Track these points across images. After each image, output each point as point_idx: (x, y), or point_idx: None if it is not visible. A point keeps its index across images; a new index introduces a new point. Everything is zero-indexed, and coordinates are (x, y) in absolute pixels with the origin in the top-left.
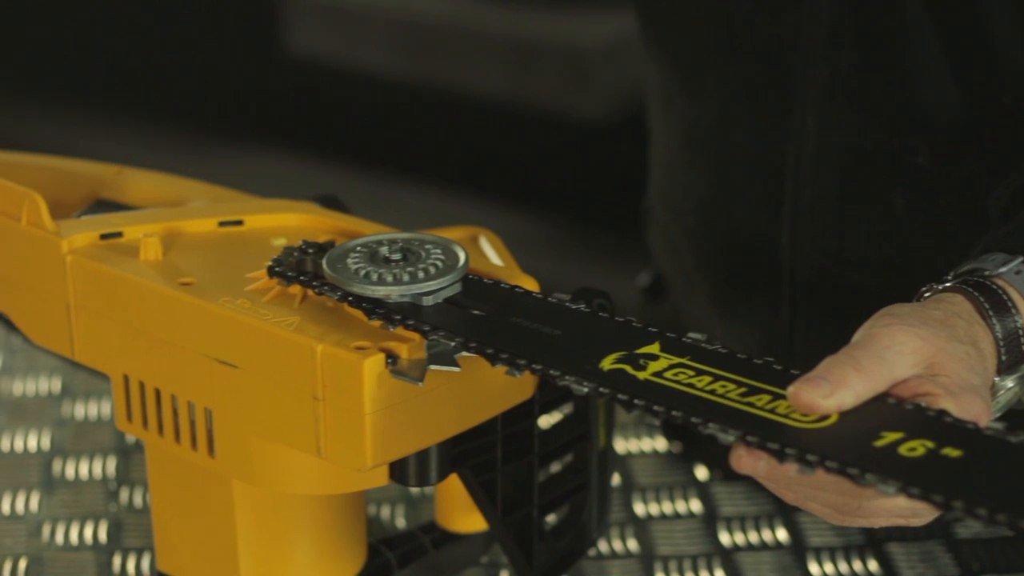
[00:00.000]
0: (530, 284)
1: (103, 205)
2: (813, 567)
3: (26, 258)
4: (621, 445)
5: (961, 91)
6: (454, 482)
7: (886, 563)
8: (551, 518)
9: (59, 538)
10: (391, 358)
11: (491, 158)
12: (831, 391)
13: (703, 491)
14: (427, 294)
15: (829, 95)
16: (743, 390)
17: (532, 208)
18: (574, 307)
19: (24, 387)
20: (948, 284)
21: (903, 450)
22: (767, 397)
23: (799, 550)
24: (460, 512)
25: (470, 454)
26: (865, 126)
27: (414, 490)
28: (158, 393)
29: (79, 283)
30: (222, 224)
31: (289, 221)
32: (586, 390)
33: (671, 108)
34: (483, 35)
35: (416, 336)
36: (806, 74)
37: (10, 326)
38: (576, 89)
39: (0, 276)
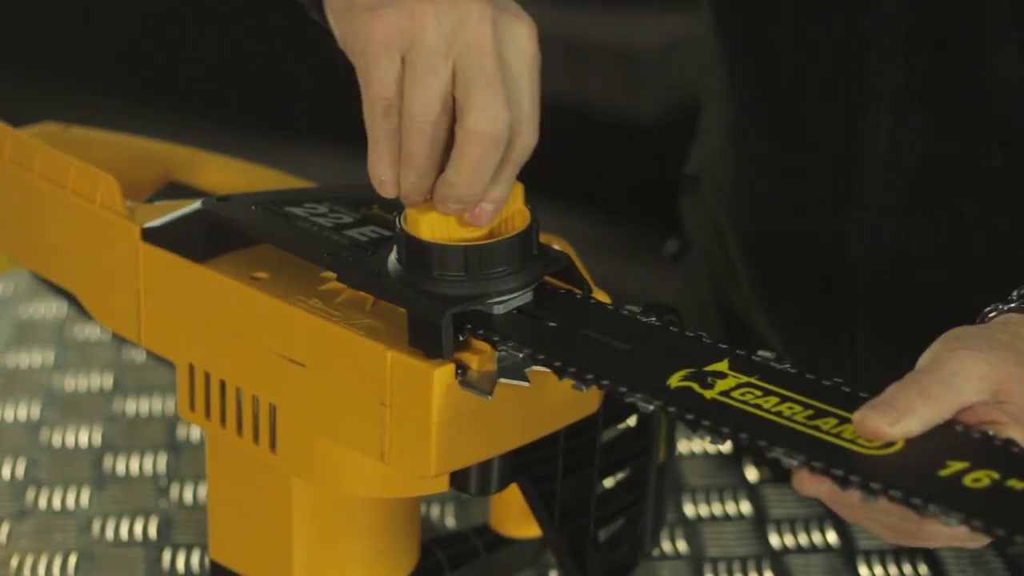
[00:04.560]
0: (601, 297)
1: (176, 188)
2: (863, 570)
3: (98, 240)
4: None
5: None
6: (511, 487)
7: (936, 567)
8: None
9: (109, 534)
10: (461, 369)
11: (544, 158)
12: (897, 418)
13: (753, 493)
14: (498, 302)
15: (904, 96)
16: (810, 412)
17: (584, 209)
18: (645, 320)
19: (76, 383)
20: (1013, 305)
21: (968, 480)
22: (833, 420)
23: (849, 553)
24: (515, 517)
25: (531, 465)
26: (939, 127)
27: None
28: (223, 384)
29: (151, 269)
30: None
31: None
32: (652, 408)
33: (737, 97)
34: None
35: (487, 348)
36: (881, 74)
37: (77, 305)
38: (630, 90)
39: (71, 256)
